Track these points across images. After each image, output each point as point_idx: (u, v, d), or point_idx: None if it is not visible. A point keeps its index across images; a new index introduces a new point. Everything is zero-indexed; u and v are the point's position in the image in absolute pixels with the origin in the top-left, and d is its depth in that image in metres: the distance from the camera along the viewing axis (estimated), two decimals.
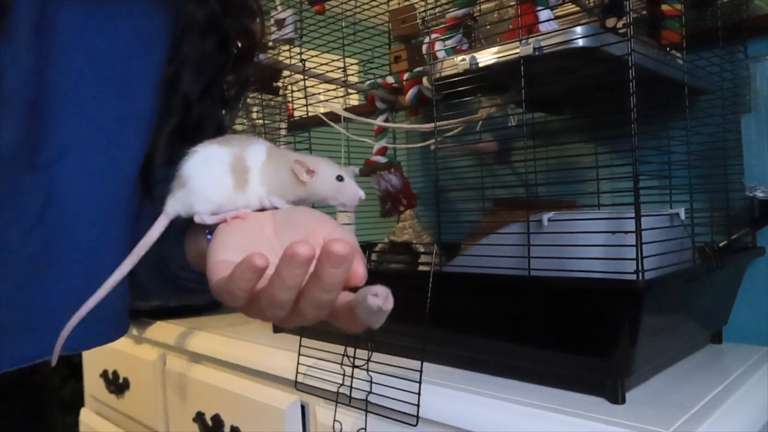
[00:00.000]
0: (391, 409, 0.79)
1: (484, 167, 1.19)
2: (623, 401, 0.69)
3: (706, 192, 0.93)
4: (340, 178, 0.46)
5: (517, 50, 0.76)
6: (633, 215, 0.66)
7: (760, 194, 0.87)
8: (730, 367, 0.83)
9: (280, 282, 0.31)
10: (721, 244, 0.90)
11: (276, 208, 0.45)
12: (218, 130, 0.54)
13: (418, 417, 0.76)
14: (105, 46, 0.48)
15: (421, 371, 0.78)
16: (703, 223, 0.90)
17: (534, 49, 0.74)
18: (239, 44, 0.55)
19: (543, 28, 0.78)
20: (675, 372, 0.81)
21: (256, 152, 0.45)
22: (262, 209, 0.45)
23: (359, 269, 0.34)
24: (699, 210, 0.86)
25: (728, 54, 0.96)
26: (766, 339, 0.93)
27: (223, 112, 0.58)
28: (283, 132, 1.34)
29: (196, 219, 0.45)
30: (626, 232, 0.67)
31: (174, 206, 0.45)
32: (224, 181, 0.44)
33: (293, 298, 0.33)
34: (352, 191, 0.47)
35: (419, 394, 0.76)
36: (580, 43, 0.72)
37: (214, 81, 0.54)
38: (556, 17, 0.81)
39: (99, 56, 0.48)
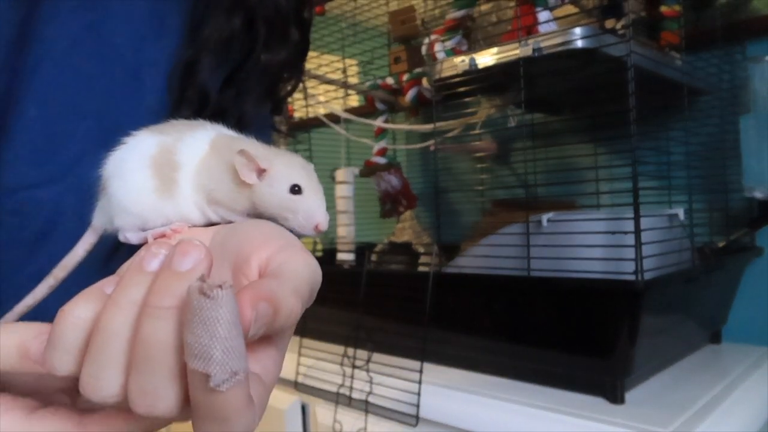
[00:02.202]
0: (391, 410, 0.79)
1: (483, 168, 1.19)
2: (622, 401, 0.69)
3: (705, 192, 0.93)
4: (295, 189, 0.31)
5: (517, 51, 0.76)
6: (632, 216, 0.66)
7: (758, 194, 0.87)
8: (728, 367, 0.83)
9: (112, 302, 0.23)
10: (720, 245, 0.90)
11: (230, 222, 0.33)
12: (238, 124, 0.44)
13: (417, 417, 0.76)
14: (116, 30, 0.42)
15: (421, 371, 0.78)
16: (702, 223, 0.90)
17: (533, 50, 0.74)
18: (269, 25, 0.45)
19: (542, 29, 0.79)
20: (674, 372, 0.81)
21: (196, 143, 0.32)
22: (213, 224, 0.33)
23: (246, 309, 0.21)
24: (698, 210, 0.86)
25: (727, 55, 0.97)
26: (765, 339, 0.94)
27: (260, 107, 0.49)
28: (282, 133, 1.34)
29: (120, 237, 0.33)
30: (625, 233, 0.67)
31: (99, 218, 0.34)
32: (142, 184, 0.32)
33: (126, 338, 0.22)
34: (308, 212, 0.31)
35: (419, 394, 0.77)
36: (580, 44, 0.72)
37: (240, 68, 0.45)
38: (555, 18, 0.81)
39: (109, 43, 0.42)
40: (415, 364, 0.79)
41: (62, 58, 0.40)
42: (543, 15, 0.80)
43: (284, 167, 0.32)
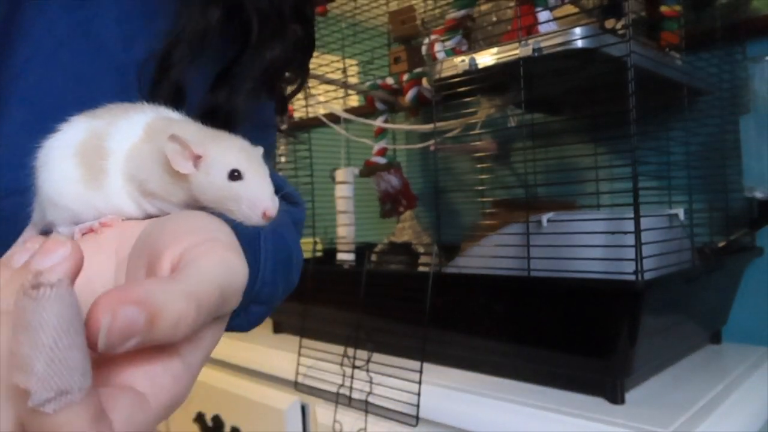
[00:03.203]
0: (391, 410, 0.79)
1: (483, 168, 1.19)
2: (622, 401, 0.69)
3: (705, 192, 0.93)
4: (235, 175, 0.28)
5: (517, 51, 0.76)
6: (632, 216, 0.66)
7: (758, 195, 0.87)
8: (728, 367, 0.83)
9: None
10: (720, 245, 0.90)
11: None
12: (227, 122, 0.41)
13: (417, 417, 0.76)
14: (105, 29, 0.40)
15: (420, 371, 0.78)
16: (702, 223, 0.90)
17: (533, 50, 0.74)
18: (262, 19, 0.42)
19: (542, 29, 0.79)
20: (674, 372, 0.81)
21: (129, 127, 0.29)
22: (150, 216, 0.30)
23: (96, 314, 0.18)
24: (698, 210, 0.86)
25: (727, 55, 0.96)
26: (765, 339, 0.94)
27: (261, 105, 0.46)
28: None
29: (53, 232, 0.31)
30: (625, 233, 0.67)
31: (37, 213, 0.32)
32: (67, 173, 0.29)
33: None
34: (251, 198, 0.28)
35: (419, 394, 0.77)
36: (580, 44, 0.72)
37: (234, 63, 0.42)
38: (555, 18, 0.81)
39: (98, 42, 0.39)
40: (415, 364, 0.79)
41: (50, 58, 0.38)
42: (543, 15, 0.80)
43: (220, 151, 0.28)
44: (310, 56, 0.51)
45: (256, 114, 0.45)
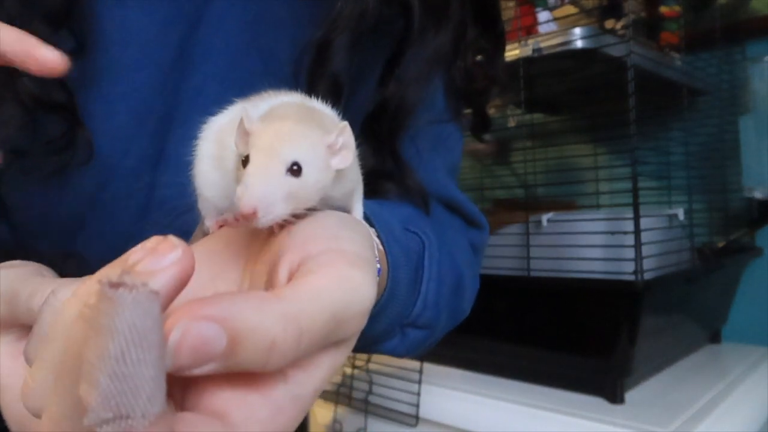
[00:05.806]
0: (391, 410, 0.79)
1: (483, 168, 1.19)
2: (622, 401, 0.69)
3: (704, 193, 0.93)
4: (244, 162, 0.22)
5: (517, 51, 0.76)
6: (632, 216, 0.66)
7: (758, 195, 0.87)
8: (728, 367, 0.83)
9: (77, 289, 0.19)
10: (719, 245, 0.90)
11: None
12: (396, 117, 0.38)
13: (417, 417, 0.76)
14: (277, 43, 0.39)
15: (420, 371, 0.78)
16: (702, 223, 0.90)
17: (533, 50, 0.75)
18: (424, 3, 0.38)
19: (542, 29, 0.79)
20: (674, 372, 0.81)
21: (258, 113, 0.26)
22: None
23: (169, 324, 0.15)
24: (697, 211, 0.86)
25: (726, 55, 0.97)
26: (765, 339, 0.94)
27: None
28: None
29: (204, 227, 0.29)
30: (625, 233, 0.67)
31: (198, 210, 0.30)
32: (205, 160, 0.27)
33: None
34: (239, 191, 0.21)
35: (419, 394, 0.77)
36: (579, 44, 0.72)
37: (399, 56, 0.38)
38: (555, 18, 0.81)
39: (270, 57, 0.39)
40: (414, 364, 0.79)
41: (225, 76, 0.38)
42: (543, 15, 0.80)
43: (261, 126, 0.22)
44: (501, 51, 0.47)
45: (429, 112, 0.42)
